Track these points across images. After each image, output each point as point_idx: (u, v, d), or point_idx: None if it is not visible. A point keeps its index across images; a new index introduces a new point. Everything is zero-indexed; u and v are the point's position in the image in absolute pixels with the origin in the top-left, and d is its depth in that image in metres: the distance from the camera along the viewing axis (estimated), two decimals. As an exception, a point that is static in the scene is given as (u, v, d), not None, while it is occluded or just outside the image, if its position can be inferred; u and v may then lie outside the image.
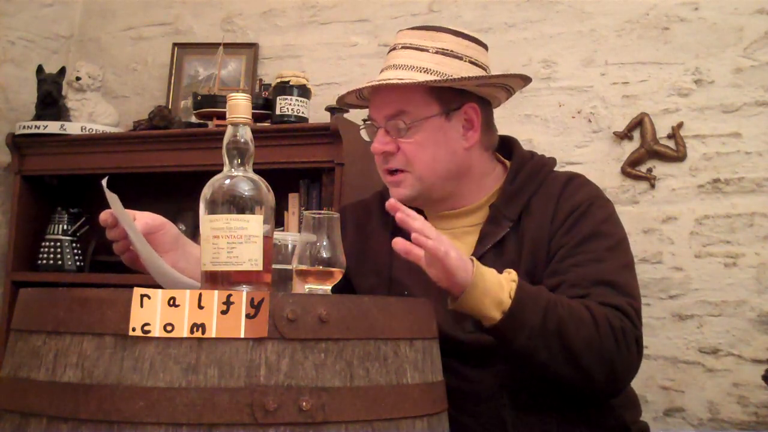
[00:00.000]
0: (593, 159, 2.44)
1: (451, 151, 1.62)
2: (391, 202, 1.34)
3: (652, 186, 2.37)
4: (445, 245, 1.31)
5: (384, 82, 1.59)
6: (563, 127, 2.50)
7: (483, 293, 1.35)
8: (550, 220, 1.59)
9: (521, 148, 1.73)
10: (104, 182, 1.32)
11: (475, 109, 1.64)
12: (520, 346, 1.39)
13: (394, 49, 1.66)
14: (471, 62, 1.62)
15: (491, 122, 1.70)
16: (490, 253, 1.59)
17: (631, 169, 2.40)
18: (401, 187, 1.62)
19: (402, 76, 1.59)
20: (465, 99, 1.63)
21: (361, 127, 1.72)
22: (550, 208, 1.60)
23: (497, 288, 1.36)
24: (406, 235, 1.67)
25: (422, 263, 1.32)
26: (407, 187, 1.62)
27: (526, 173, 1.66)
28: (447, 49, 1.61)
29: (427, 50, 1.61)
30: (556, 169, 1.71)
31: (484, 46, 1.68)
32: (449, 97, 1.61)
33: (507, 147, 1.74)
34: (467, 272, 1.33)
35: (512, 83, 1.67)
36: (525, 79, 1.67)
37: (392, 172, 1.63)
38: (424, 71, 1.58)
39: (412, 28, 1.67)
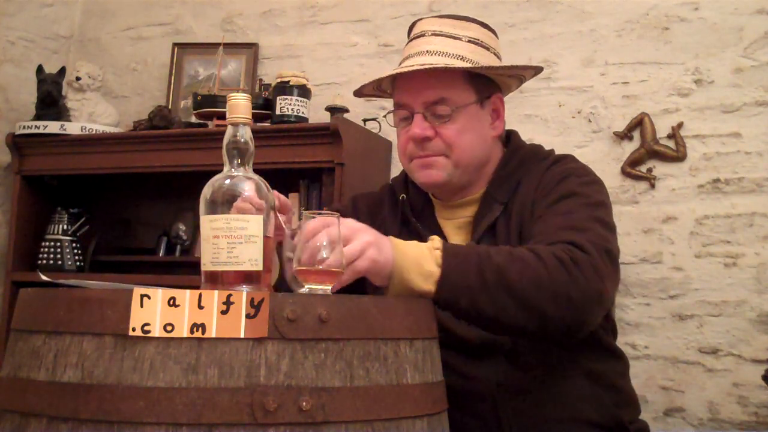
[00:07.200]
0: (593, 159, 2.44)
1: (483, 139, 1.64)
2: None
3: (652, 186, 2.37)
4: (349, 269, 1.25)
5: (432, 65, 1.57)
6: (563, 127, 2.50)
7: (408, 271, 1.29)
8: (533, 194, 1.58)
9: (519, 138, 1.74)
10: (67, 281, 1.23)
11: (501, 99, 1.68)
12: (466, 310, 1.32)
13: (422, 35, 1.64)
14: (494, 53, 1.66)
15: None
16: (485, 238, 1.59)
17: (631, 169, 2.40)
18: (434, 168, 1.60)
19: (439, 63, 1.58)
20: (493, 89, 1.66)
21: (384, 114, 1.71)
22: (534, 184, 1.60)
23: (421, 260, 1.30)
24: (413, 227, 1.67)
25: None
26: (441, 169, 1.60)
27: (519, 158, 1.67)
28: (477, 39, 1.63)
29: (460, 39, 1.62)
30: None
31: (497, 38, 1.71)
32: (482, 86, 1.63)
33: (507, 139, 1.75)
34: (387, 260, 1.29)
35: (527, 74, 1.71)
36: (537, 70, 1.71)
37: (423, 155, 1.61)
38: (461, 59, 1.59)
39: (439, 17, 1.67)
